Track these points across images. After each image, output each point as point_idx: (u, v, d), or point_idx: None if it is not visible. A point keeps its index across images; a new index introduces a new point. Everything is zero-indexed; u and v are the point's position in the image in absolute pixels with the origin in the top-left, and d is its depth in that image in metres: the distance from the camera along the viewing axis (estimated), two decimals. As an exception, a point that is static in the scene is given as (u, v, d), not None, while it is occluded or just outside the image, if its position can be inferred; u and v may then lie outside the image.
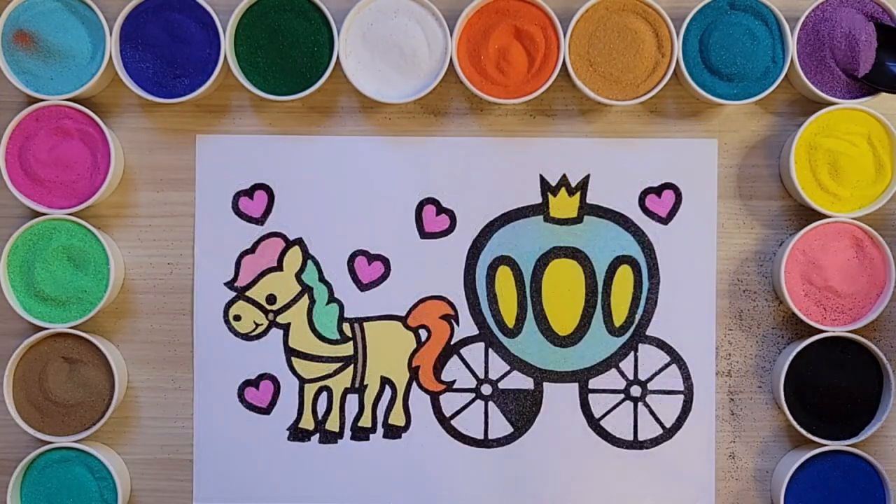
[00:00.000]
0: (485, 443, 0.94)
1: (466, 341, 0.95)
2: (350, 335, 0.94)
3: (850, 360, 0.91)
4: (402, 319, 0.94)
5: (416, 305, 0.94)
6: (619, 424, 0.94)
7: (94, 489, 0.91)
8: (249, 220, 0.94)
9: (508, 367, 0.94)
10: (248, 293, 0.94)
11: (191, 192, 0.94)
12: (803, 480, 0.91)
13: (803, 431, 0.91)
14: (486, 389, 0.94)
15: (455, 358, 0.94)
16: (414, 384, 0.94)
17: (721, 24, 0.90)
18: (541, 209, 0.94)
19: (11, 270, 0.91)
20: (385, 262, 0.94)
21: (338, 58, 0.91)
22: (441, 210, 0.94)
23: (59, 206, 0.91)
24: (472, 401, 0.94)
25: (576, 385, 0.94)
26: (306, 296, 0.94)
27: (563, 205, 0.94)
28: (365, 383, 0.94)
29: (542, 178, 0.94)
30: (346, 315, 0.94)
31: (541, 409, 0.94)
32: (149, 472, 0.94)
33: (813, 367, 0.91)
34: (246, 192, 0.94)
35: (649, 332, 0.94)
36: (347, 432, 0.94)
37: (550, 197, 0.94)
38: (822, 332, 0.91)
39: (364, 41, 0.91)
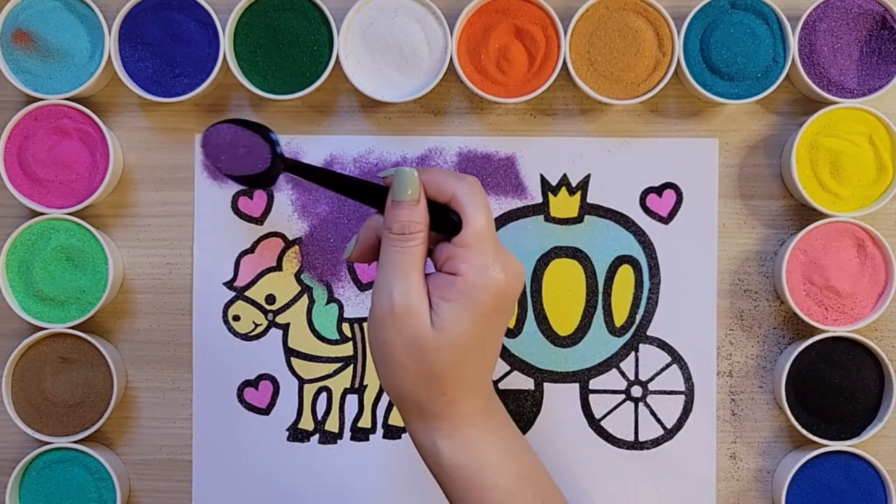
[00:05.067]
0: (485, 443, 0.94)
1: (466, 341, 0.94)
2: (350, 335, 0.94)
3: (852, 360, 0.91)
4: (402, 319, 0.94)
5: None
6: (619, 425, 0.94)
7: (92, 490, 0.91)
8: (249, 220, 0.94)
9: (508, 368, 0.94)
10: (247, 293, 0.94)
11: (190, 192, 0.94)
12: (804, 481, 0.91)
13: (804, 432, 0.91)
14: (487, 390, 0.94)
15: (455, 358, 0.94)
16: (414, 384, 0.94)
17: (722, 23, 0.90)
18: (541, 209, 0.94)
19: (10, 270, 0.91)
20: (385, 261, 0.94)
21: (337, 57, 0.90)
22: (441, 210, 0.94)
23: (57, 206, 0.91)
24: (473, 401, 0.94)
25: (576, 385, 0.94)
26: (306, 296, 0.94)
27: (564, 204, 0.94)
28: (365, 383, 0.94)
29: (543, 178, 0.94)
30: (345, 315, 0.94)
31: (541, 410, 0.94)
32: (148, 472, 0.94)
33: (814, 368, 0.91)
34: (246, 192, 0.94)
35: (650, 332, 0.94)
36: (347, 432, 0.94)
37: (551, 196, 0.94)
38: (824, 332, 0.91)
39: (364, 40, 0.91)
